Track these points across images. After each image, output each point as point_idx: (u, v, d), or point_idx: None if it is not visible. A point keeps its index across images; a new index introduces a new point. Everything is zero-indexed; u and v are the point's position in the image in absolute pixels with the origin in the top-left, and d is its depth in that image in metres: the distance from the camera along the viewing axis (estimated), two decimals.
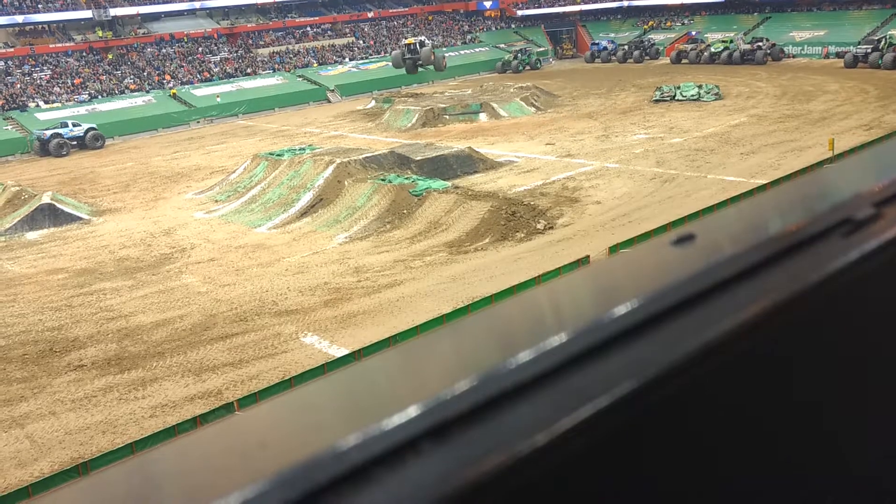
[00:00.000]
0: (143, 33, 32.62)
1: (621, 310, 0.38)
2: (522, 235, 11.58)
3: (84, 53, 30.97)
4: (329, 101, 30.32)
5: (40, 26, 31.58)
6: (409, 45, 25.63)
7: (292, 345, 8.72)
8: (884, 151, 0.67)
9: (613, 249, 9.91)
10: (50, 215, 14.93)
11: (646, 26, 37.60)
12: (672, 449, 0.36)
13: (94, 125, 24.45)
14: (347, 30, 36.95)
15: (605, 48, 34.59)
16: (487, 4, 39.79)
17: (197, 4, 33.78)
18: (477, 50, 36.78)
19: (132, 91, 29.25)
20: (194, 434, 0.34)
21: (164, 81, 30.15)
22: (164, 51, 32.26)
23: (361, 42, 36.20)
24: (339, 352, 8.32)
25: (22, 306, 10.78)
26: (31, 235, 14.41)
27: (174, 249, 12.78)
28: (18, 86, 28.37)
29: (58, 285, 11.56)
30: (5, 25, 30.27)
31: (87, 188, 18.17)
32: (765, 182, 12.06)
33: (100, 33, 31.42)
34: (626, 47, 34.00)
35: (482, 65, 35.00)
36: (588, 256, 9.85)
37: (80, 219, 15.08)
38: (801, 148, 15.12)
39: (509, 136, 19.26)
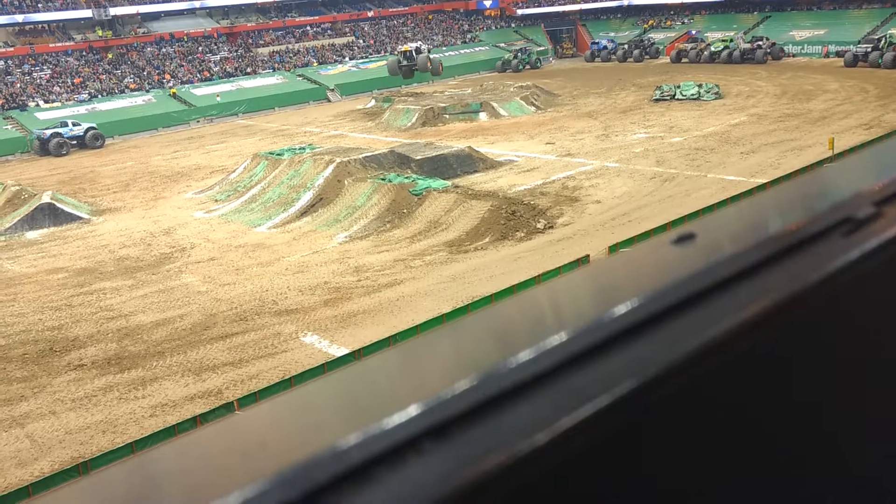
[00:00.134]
0: (143, 32, 32.59)
1: (621, 309, 0.38)
2: (522, 235, 11.58)
3: (84, 53, 30.95)
4: (329, 101, 30.30)
5: (40, 25, 31.55)
6: (405, 52, 25.37)
7: (292, 344, 8.71)
8: (884, 150, 0.67)
9: (613, 249, 9.90)
10: (50, 215, 14.92)
11: (646, 25, 37.57)
12: (672, 448, 0.36)
13: (93, 125, 24.42)
14: (347, 29, 36.91)
15: (605, 47, 34.52)
16: (487, 3, 39.75)
17: (197, 4, 33.75)
18: (477, 49, 36.75)
19: (132, 90, 29.23)
20: (194, 433, 0.34)
21: (164, 81, 30.13)
22: (163, 50, 32.23)
23: (361, 41, 36.17)
24: (339, 351, 8.32)
25: (22, 306, 10.78)
26: (31, 235, 14.41)
27: (174, 249, 12.78)
28: (18, 85, 28.35)
29: (58, 285, 11.56)
30: (5, 25, 30.25)
31: (87, 188, 18.16)
32: (765, 181, 12.05)
33: (100, 32, 31.40)
34: (626, 46, 33.94)
35: (482, 64, 34.97)
36: (588, 256, 9.84)
37: (79, 218, 15.07)
38: (801, 147, 15.11)
39: (509, 136, 19.24)
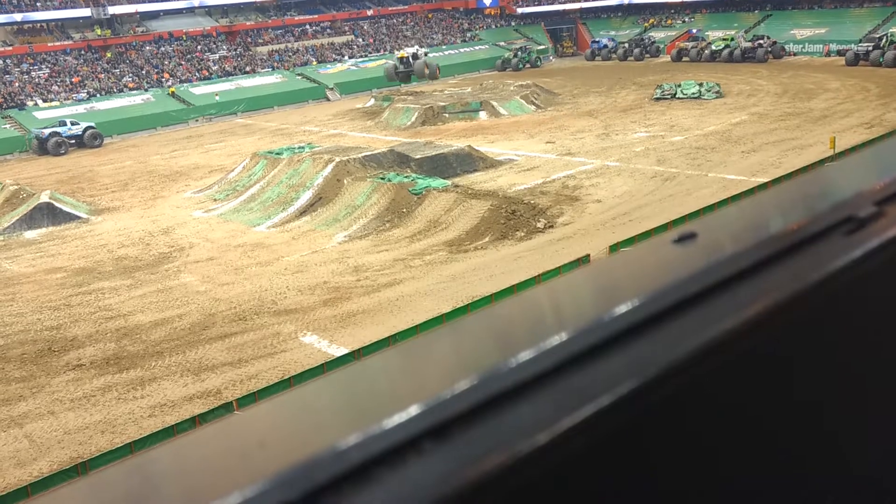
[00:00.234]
0: (142, 31, 32.52)
1: (622, 309, 0.38)
2: (522, 234, 11.55)
3: (83, 52, 30.88)
4: (328, 100, 30.26)
5: (39, 24, 31.48)
6: (402, 58, 25.25)
7: (291, 344, 8.69)
8: (885, 150, 0.67)
9: (614, 248, 9.88)
10: (48, 214, 14.89)
11: (646, 24, 37.53)
12: (673, 448, 0.36)
13: (92, 124, 24.37)
14: (347, 28, 36.85)
15: (606, 46, 34.48)
16: (487, 2, 39.69)
17: (196, 2, 33.67)
18: (477, 48, 36.70)
19: (131, 89, 29.17)
20: (193, 434, 0.33)
21: (163, 80, 30.08)
22: (162, 49, 32.17)
23: (361, 40, 36.11)
24: (339, 351, 8.29)
25: (20, 305, 10.75)
26: (30, 234, 14.37)
27: (173, 248, 12.75)
28: (17, 84, 28.29)
29: (56, 284, 11.53)
30: (4, 24, 30.20)
31: (86, 187, 18.12)
32: (766, 180, 12.03)
33: (98, 31, 31.33)
34: (626, 45, 33.88)
35: (482, 63, 34.91)
36: (588, 255, 9.82)
37: (78, 218, 15.03)
38: (802, 146, 15.08)
39: (509, 135, 19.21)
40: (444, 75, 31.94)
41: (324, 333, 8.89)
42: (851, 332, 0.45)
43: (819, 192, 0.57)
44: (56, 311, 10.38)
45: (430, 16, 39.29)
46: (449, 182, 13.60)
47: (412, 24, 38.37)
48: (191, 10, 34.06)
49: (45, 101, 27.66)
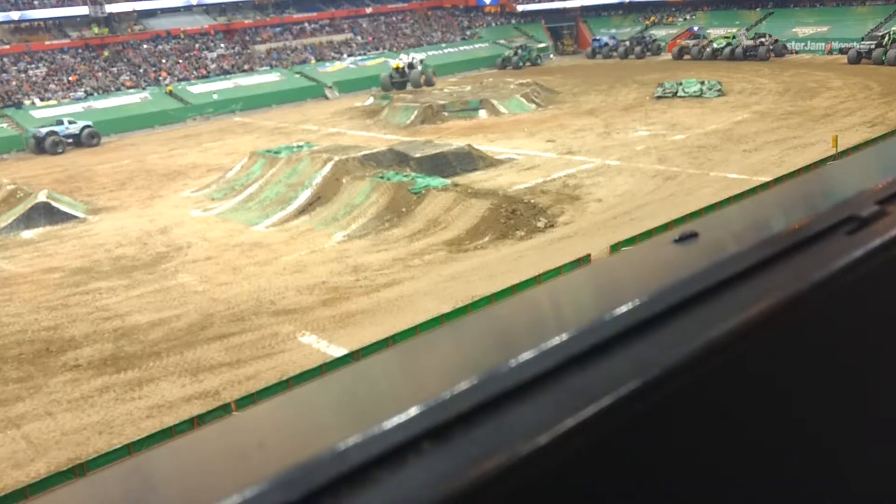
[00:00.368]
0: (140, 30, 32.41)
1: (623, 309, 0.37)
2: (523, 234, 11.50)
3: (80, 50, 30.78)
4: (327, 98, 30.16)
5: (36, 23, 31.37)
6: (398, 68, 25.01)
7: (290, 344, 8.64)
8: (887, 148, 0.66)
9: (615, 248, 9.83)
10: (45, 214, 14.83)
11: (647, 22, 37.45)
12: (674, 449, 0.36)
13: (89, 123, 24.28)
14: (345, 26, 36.74)
15: (607, 44, 34.41)
16: (487, 0, 39.54)
17: (194, 0, 33.55)
18: (476, 46, 36.59)
19: (128, 88, 29.08)
20: (191, 435, 0.35)
21: (161, 78, 29.98)
22: (160, 47, 32.06)
23: (360, 38, 36.00)
24: (338, 352, 8.24)
25: (17, 306, 10.70)
26: (27, 234, 14.31)
27: (170, 248, 12.69)
28: (14, 83, 28.20)
29: (53, 284, 11.47)
30: (1, 22, 30.09)
31: (83, 186, 18.05)
32: (768, 179, 11.98)
33: (96, 30, 31.21)
34: (627, 43, 33.81)
35: (482, 61, 34.82)
36: (589, 255, 9.75)
37: (75, 217, 14.97)
38: (805, 145, 15.04)
39: (509, 133, 19.16)
40: (444, 73, 31.91)
41: (322, 334, 8.84)
42: (853, 331, 0.45)
43: (821, 191, 0.56)
44: (53, 311, 10.32)
45: (429, 13, 39.18)
46: (448, 181, 13.54)
47: (411, 21, 38.25)
48: (188, 9, 33.94)
49: (42, 99, 27.57)
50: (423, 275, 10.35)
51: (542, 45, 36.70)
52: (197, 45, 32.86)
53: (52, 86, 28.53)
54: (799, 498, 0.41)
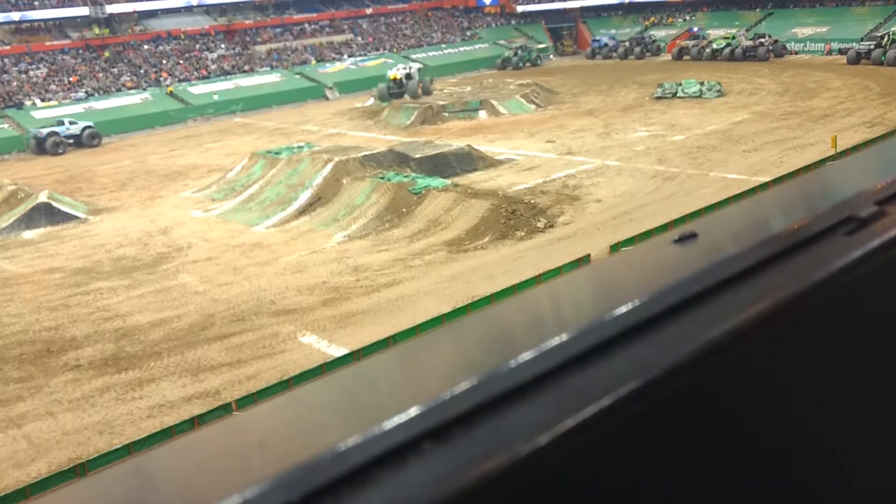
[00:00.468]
0: (140, 30, 32.44)
1: (622, 309, 0.37)
2: (522, 234, 11.51)
3: (81, 51, 30.81)
4: (327, 99, 30.18)
5: (37, 24, 31.40)
6: (395, 79, 24.90)
7: (290, 345, 8.66)
8: (886, 149, 0.67)
9: (615, 248, 9.85)
10: (46, 214, 14.84)
11: (647, 22, 37.47)
12: (674, 449, 0.36)
13: (90, 123, 24.29)
14: (346, 26, 36.77)
15: (606, 45, 34.42)
16: (487, 0, 39.59)
17: (194, 1, 33.59)
18: (476, 46, 36.62)
19: (129, 89, 29.10)
20: (192, 435, 0.35)
21: (161, 79, 30.01)
22: (160, 48, 32.09)
23: (360, 39, 36.03)
24: (338, 352, 8.26)
25: (18, 306, 10.71)
26: (28, 234, 14.33)
27: (171, 248, 12.71)
28: (15, 83, 28.23)
29: (54, 285, 11.49)
30: (1, 23, 30.15)
31: (84, 187, 18.07)
32: (767, 180, 11.99)
33: (96, 30, 31.25)
34: (627, 44, 33.83)
35: (482, 62, 34.84)
36: (589, 255, 9.78)
37: (76, 218, 14.98)
38: (804, 145, 15.05)
39: (509, 134, 19.17)
40: (444, 74, 31.92)
41: (323, 334, 8.86)
42: (852, 332, 0.45)
43: (820, 191, 0.56)
44: (54, 311, 10.34)
45: (429, 14, 39.21)
46: (449, 181, 13.55)
47: (412, 22, 38.28)
48: (189, 9, 33.97)
49: (42, 100, 27.59)
50: (423, 275, 10.37)
51: (541, 45, 36.71)
52: (197, 46, 32.89)
53: (52, 86, 28.56)
54: (799, 498, 0.41)
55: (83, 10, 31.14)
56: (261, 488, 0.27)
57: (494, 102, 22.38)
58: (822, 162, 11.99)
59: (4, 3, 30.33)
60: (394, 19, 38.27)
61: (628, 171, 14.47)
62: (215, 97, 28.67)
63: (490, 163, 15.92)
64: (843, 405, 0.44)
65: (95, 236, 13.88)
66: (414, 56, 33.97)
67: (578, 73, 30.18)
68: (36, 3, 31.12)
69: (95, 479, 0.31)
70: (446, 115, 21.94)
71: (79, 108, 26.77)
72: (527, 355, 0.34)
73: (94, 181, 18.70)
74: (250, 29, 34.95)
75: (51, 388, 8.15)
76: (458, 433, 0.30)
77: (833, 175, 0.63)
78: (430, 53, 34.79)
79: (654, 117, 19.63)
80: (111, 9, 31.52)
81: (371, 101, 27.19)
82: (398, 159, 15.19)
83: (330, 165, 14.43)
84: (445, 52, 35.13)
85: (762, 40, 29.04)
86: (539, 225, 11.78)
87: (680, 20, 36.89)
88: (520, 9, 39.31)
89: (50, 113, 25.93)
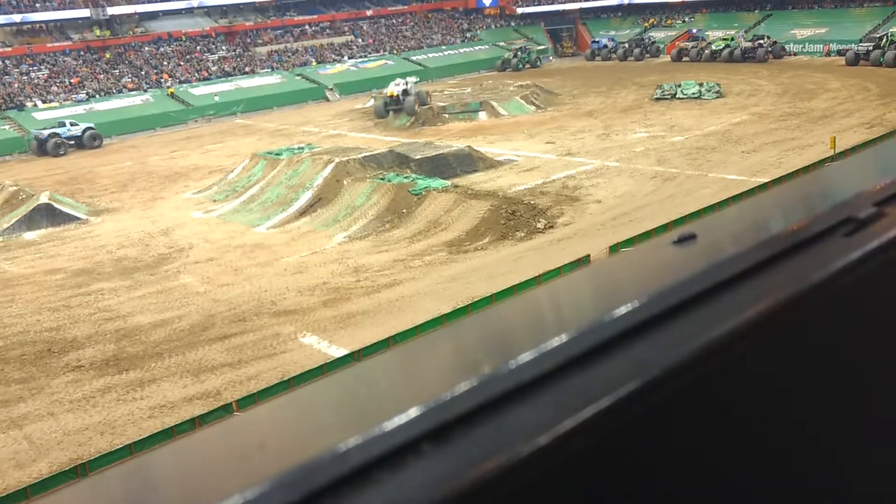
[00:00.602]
0: (141, 32, 32.50)
1: (622, 310, 0.38)
2: (522, 234, 11.54)
3: (82, 52, 30.87)
4: (328, 100, 30.23)
5: (38, 25, 31.47)
6: (392, 96, 24.43)
7: (291, 345, 8.68)
8: (885, 150, 0.67)
9: (614, 249, 9.86)
10: (48, 215, 14.87)
11: (646, 24, 37.52)
12: (673, 449, 0.36)
13: (91, 125, 24.34)
14: (346, 28, 36.85)
15: (606, 46, 34.44)
16: (487, 2, 39.69)
17: (195, 3, 33.66)
18: (476, 48, 36.69)
19: (130, 90, 29.15)
20: (193, 435, 0.34)
21: (162, 80, 30.06)
22: (161, 50, 32.15)
23: (360, 40, 36.10)
24: (339, 352, 8.28)
25: (20, 307, 10.74)
26: (29, 235, 14.36)
27: (172, 249, 12.74)
28: (16, 85, 28.28)
29: (55, 285, 11.52)
30: (3, 24, 30.19)
31: (85, 188, 18.11)
32: (766, 181, 12.02)
33: (97, 32, 31.31)
34: (626, 45, 33.87)
35: (482, 63, 34.89)
36: (589, 256, 9.80)
37: (77, 219, 15.01)
38: (803, 146, 15.08)
39: (509, 135, 19.21)
40: (444, 75, 31.97)
41: (323, 334, 8.88)
42: (851, 332, 0.45)
43: (819, 192, 0.57)
44: (55, 312, 10.36)
45: (429, 16, 39.28)
46: (449, 182, 13.58)
47: (412, 24, 38.36)
48: (190, 11, 34.04)
49: (44, 101, 27.64)
50: (423, 276, 10.39)
51: (541, 47, 36.77)
52: (198, 48, 32.96)
53: (53, 88, 28.61)
54: (799, 498, 0.41)
55: (84, 12, 31.21)
56: (262, 489, 0.27)
57: (494, 104, 22.42)
58: (821, 163, 12.04)
59: (6, 5, 30.39)
60: (394, 21, 38.34)
61: (628, 172, 14.50)
62: (216, 98, 28.73)
63: (490, 164, 15.95)
64: (842, 405, 0.44)
65: (96, 237, 13.91)
66: (414, 57, 34.03)
67: (578, 74, 30.22)
68: (37, 4, 31.20)
69: (96, 480, 0.32)
70: (446, 116, 21.99)
71: (80, 109, 26.81)
72: (526, 356, 0.34)
73: (96, 182, 18.73)
74: (251, 30, 35.02)
75: (52, 389, 8.16)
76: (459, 434, 0.30)
77: (832, 176, 0.63)
78: (430, 55, 34.85)
79: (654, 118, 19.65)
80: (112, 10, 31.58)
81: (371, 102, 27.20)
82: (398, 160, 15.22)
83: (330, 166, 14.46)
84: (445, 53, 35.18)
85: (761, 42, 29.06)
86: (539, 226, 11.80)
87: (679, 22, 36.94)
88: (519, 10, 39.38)
89: (51, 114, 25.97)
